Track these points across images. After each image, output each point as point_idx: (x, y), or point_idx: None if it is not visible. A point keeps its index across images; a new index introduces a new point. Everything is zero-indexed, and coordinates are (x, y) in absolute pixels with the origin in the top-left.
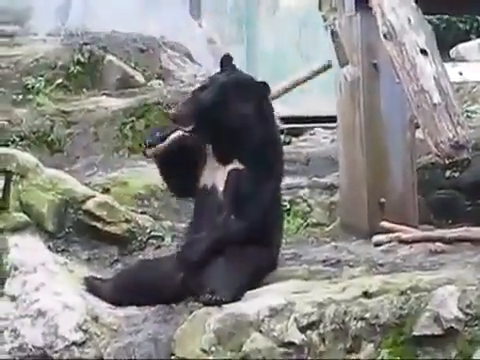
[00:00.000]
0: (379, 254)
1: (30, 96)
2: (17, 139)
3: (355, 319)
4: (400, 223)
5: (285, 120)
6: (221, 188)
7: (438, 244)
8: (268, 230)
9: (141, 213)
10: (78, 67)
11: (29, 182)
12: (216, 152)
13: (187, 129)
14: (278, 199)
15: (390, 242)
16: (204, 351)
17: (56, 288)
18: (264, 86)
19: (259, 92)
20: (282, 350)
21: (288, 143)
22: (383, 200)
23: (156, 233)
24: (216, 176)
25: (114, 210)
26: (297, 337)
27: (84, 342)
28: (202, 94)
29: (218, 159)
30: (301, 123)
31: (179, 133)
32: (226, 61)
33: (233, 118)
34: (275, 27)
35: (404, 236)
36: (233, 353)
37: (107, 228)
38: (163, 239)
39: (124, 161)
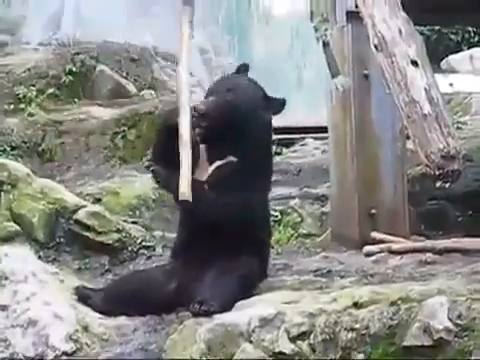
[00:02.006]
0: (370, 265)
1: (22, 106)
2: (8, 149)
3: (345, 329)
4: (391, 234)
5: (276, 130)
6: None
7: (428, 255)
8: (258, 239)
9: (132, 223)
10: (70, 77)
11: (20, 192)
12: (211, 153)
13: (203, 125)
14: (266, 209)
15: (381, 253)
16: None
17: (47, 298)
18: (283, 102)
19: (278, 107)
20: None
21: (279, 154)
22: (374, 211)
23: (147, 243)
24: (205, 175)
25: (105, 220)
26: (287, 347)
27: (74, 352)
28: (230, 97)
29: (210, 159)
30: (292, 134)
31: None
32: (243, 67)
33: (252, 127)
34: (267, 37)
35: (395, 247)
36: None
37: (98, 238)
38: (154, 249)
39: (115, 171)
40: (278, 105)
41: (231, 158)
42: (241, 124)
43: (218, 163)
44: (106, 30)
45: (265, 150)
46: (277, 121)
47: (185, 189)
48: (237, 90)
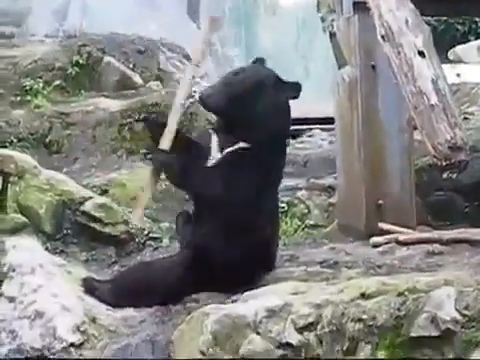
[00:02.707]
0: (377, 255)
1: (28, 97)
2: (15, 140)
3: (352, 320)
4: (398, 224)
5: None
6: None
7: (436, 245)
8: (264, 230)
9: None
10: (76, 68)
11: (27, 183)
12: (224, 140)
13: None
14: (275, 198)
15: (388, 243)
16: (202, 352)
17: (54, 289)
18: (297, 86)
19: (292, 91)
20: (279, 351)
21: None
22: (381, 202)
23: (154, 235)
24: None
25: (112, 211)
26: (294, 338)
27: (82, 343)
28: (236, 80)
29: (222, 146)
30: (299, 124)
31: None
32: (259, 61)
33: (263, 111)
34: (274, 28)
35: (402, 237)
36: (230, 354)
37: (105, 229)
38: (161, 240)
39: (122, 162)
40: (292, 89)
41: (242, 144)
42: (249, 108)
43: (229, 149)
44: (112, 21)
45: (280, 136)
46: None
47: (165, 142)
48: (242, 75)
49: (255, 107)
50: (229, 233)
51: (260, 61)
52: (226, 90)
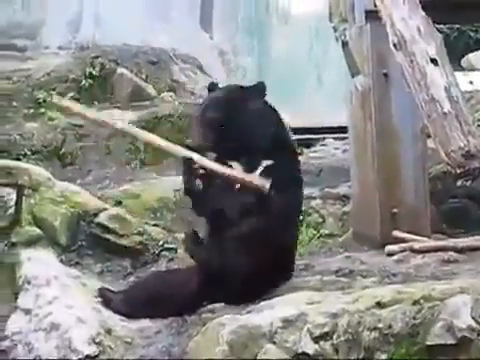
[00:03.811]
0: (392, 264)
1: (42, 110)
2: (29, 153)
3: (368, 329)
4: (412, 233)
5: (296, 131)
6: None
7: (451, 253)
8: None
9: (154, 225)
10: (89, 80)
11: (41, 196)
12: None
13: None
14: (298, 206)
15: (403, 252)
16: None
17: (69, 301)
18: (261, 85)
19: (258, 91)
20: None
21: (300, 154)
22: (395, 210)
23: (169, 245)
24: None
25: (127, 223)
26: (310, 348)
27: (97, 355)
28: (209, 114)
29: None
30: (312, 134)
31: None
32: (212, 86)
33: (244, 120)
34: (286, 37)
35: (416, 246)
36: None
37: (120, 241)
38: (176, 251)
39: (136, 173)
40: (257, 89)
41: (265, 162)
42: (235, 124)
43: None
44: (125, 33)
45: (278, 138)
46: (297, 121)
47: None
48: (210, 105)
49: (242, 121)
50: (250, 244)
51: (213, 85)
52: (210, 127)
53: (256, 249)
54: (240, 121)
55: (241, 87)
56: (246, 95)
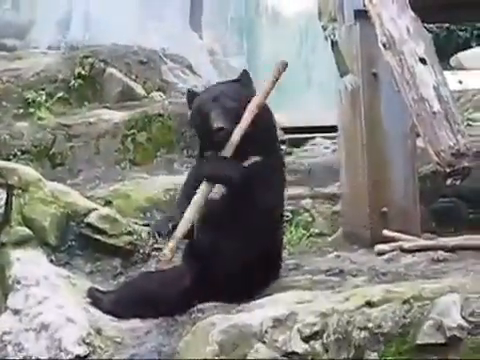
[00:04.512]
0: (382, 263)
1: (31, 110)
2: (19, 153)
3: (358, 329)
4: (402, 232)
5: (286, 130)
6: None
7: (440, 253)
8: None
9: (144, 225)
10: (79, 80)
11: (31, 196)
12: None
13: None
14: (282, 207)
15: (392, 251)
16: None
17: (59, 301)
18: (244, 72)
19: (247, 82)
20: None
21: (289, 153)
22: (385, 209)
23: (159, 245)
24: None
25: (116, 223)
26: (300, 347)
27: (87, 355)
28: (224, 103)
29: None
30: (302, 133)
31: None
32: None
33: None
34: (276, 37)
35: (406, 245)
36: None
37: (110, 241)
38: None
39: (126, 173)
40: (245, 78)
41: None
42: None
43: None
44: (115, 33)
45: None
46: (287, 120)
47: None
48: (223, 93)
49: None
50: (239, 243)
51: (192, 94)
52: (227, 113)
53: (242, 247)
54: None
55: (233, 80)
56: (243, 86)
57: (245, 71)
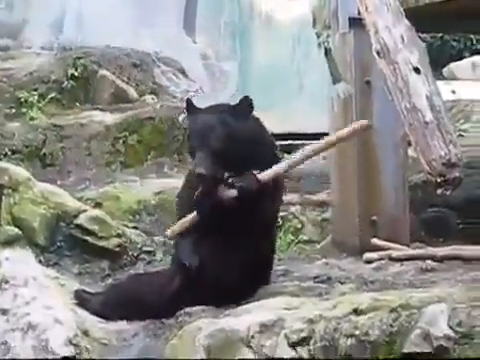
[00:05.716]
0: (370, 271)
1: (23, 110)
2: (9, 153)
3: (345, 336)
4: (391, 241)
5: (276, 137)
6: None
7: (429, 262)
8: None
9: (133, 228)
10: (71, 81)
11: (21, 196)
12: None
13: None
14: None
15: (381, 260)
16: None
17: (47, 302)
18: (246, 100)
19: (245, 108)
20: None
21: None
22: (375, 218)
23: (147, 248)
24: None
25: (106, 225)
26: (287, 353)
27: (74, 356)
28: (214, 144)
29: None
30: (293, 140)
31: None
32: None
33: (244, 150)
34: (269, 42)
35: (395, 254)
36: None
37: (99, 242)
38: (154, 254)
39: (116, 176)
40: (244, 105)
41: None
42: (235, 149)
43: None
44: (108, 35)
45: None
46: (278, 127)
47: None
48: (212, 128)
49: (242, 150)
50: (230, 248)
51: (190, 103)
52: (215, 157)
53: (235, 253)
54: (240, 150)
55: (231, 107)
56: (239, 116)
57: (246, 98)
